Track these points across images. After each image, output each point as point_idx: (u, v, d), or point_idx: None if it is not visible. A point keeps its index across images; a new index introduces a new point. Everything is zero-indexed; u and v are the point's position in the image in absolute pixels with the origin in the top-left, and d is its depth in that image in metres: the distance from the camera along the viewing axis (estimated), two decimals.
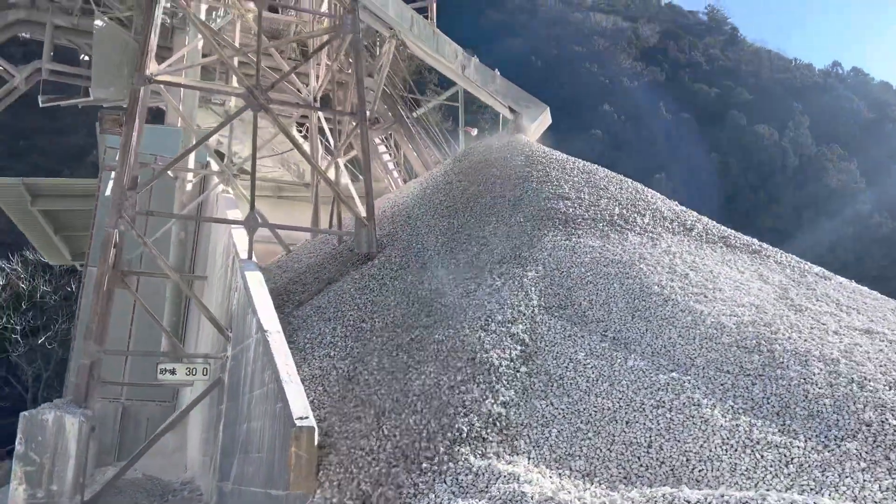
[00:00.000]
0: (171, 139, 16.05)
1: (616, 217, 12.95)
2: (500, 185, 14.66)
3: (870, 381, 7.88)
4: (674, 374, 8.15)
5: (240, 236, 12.33)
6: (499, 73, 20.58)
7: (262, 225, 11.76)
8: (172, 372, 10.68)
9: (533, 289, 10.19)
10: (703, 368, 8.32)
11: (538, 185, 14.20)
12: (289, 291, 11.97)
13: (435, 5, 22.21)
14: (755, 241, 13.53)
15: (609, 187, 14.49)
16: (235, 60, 14.47)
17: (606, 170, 16.34)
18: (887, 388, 7.76)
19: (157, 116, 20.14)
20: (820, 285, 11.53)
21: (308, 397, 8.03)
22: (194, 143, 15.77)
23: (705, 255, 11.96)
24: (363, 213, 12.67)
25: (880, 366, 8.30)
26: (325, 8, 17.65)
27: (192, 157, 15.75)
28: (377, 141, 25.68)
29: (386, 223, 13.86)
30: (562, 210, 12.93)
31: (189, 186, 15.82)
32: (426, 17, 21.92)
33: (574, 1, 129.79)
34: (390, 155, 25.34)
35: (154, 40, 11.89)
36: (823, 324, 9.57)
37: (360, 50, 13.10)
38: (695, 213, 14.35)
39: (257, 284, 10.19)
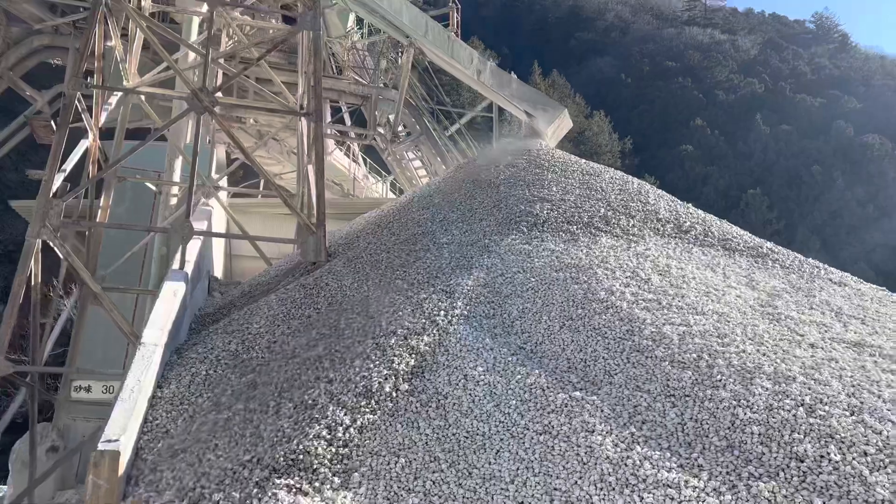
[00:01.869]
0: (154, 153, 15.80)
1: (597, 219, 11.49)
2: (485, 190, 13.48)
3: (825, 404, 6.20)
4: (578, 393, 6.72)
5: (193, 247, 11.73)
6: (515, 77, 19.39)
7: (197, 233, 11.09)
8: (88, 389, 10.11)
9: (463, 297, 8.94)
10: (620, 387, 6.84)
11: (524, 188, 12.93)
12: (232, 304, 11.20)
13: (455, 13, 21.33)
14: (767, 243, 11.69)
15: (607, 189, 13.03)
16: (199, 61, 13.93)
17: (619, 173, 14.86)
18: (846, 412, 6.06)
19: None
20: (825, 292, 9.65)
21: (158, 420, 7.13)
22: (179, 157, 15.50)
23: (689, 259, 10.31)
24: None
25: (850, 385, 6.57)
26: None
27: (177, 170, 15.43)
28: (410, 155, 24.99)
29: (358, 232, 12.93)
30: (535, 213, 11.60)
31: (174, 200, 15.50)
32: (447, 25, 21.12)
33: (668, 16, 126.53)
34: (424, 167, 24.58)
35: (96, 45, 11.55)
36: (801, 335, 7.82)
37: (319, 48, 12.33)
38: (705, 215, 12.65)
39: (168, 296, 9.46)
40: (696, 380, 6.72)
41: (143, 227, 13.46)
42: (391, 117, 23.19)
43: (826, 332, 8.03)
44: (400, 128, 23.91)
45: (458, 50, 19.30)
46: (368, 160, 30.21)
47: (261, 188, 26.46)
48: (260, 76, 17.43)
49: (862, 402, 6.28)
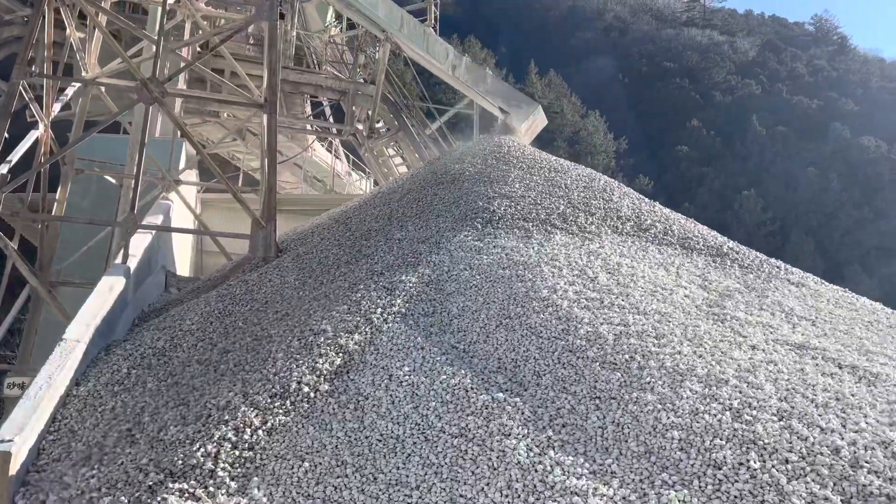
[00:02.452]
0: (118, 146, 15.54)
1: (555, 216, 11.22)
2: (448, 186, 13.21)
3: (754, 408, 5.92)
4: (502, 394, 6.44)
5: (142, 241, 11.49)
6: (490, 73, 19.16)
7: (141, 227, 10.83)
8: (21, 386, 9.84)
9: (404, 294, 8.67)
10: (546, 388, 6.57)
11: (486, 185, 12.66)
12: (181, 300, 10.93)
13: (433, 8, 21.03)
14: (729, 242, 11.42)
15: (571, 186, 12.77)
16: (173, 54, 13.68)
17: (588, 170, 14.60)
18: (773, 417, 5.78)
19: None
20: (780, 293, 9.37)
21: (67, 419, 6.86)
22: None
23: (643, 257, 10.04)
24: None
25: (784, 389, 6.29)
26: None
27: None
28: (391, 152, 24.69)
29: (315, 228, 12.66)
30: (492, 209, 11.33)
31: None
32: (424, 21, 20.83)
33: (668, 17, 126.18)
34: (405, 164, 24.30)
35: (43, 33, 11.28)
36: (744, 336, 7.54)
37: (275, 39, 12.05)
38: (669, 213, 12.39)
39: (103, 290, 9.19)
40: (625, 382, 6.44)
41: (84, 220, 13.16)
42: (370, 113, 22.92)
43: (771, 333, 7.76)
44: (380, 124, 23.66)
45: (433, 45, 19.06)
46: (352, 157, 29.90)
47: (240, 183, 26.20)
48: (228, 68, 17.13)
49: (793, 407, 6.00)
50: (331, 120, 28.20)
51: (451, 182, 13.34)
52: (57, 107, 13.10)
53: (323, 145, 28.66)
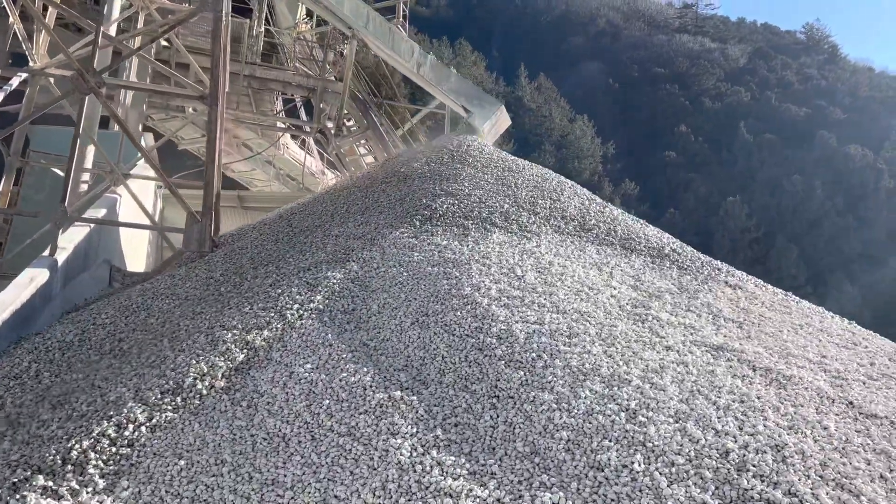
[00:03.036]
0: (61, 138, 15.30)
1: (497, 214, 11.06)
2: (397, 183, 13.06)
3: (651, 409, 5.76)
4: (399, 392, 6.26)
5: (77, 234, 11.29)
6: (454, 72, 18.98)
7: (75, 221, 10.62)
8: None
9: (326, 290, 8.48)
10: (447, 387, 6.39)
11: (435, 183, 12.51)
12: (112, 294, 10.72)
13: (402, 5, 20.88)
14: (674, 243, 11.29)
15: (520, 185, 12.63)
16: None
17: (544, 170, 14.44)
18: (669, 419, 5.62)
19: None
20: (712, 294, 9.22)
21: None
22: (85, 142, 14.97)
23: (578, 257, 9.88)
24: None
25: (688, 391, 6.13)
26: None
27: (89, 156, 14.91)
28: (363, 150, 24.51)
29: (260, 223, 12.47)
30: (433, 207, 11.16)
31: (83, 187, 14.99)
32: (392, 18, 20.67)
33: (660, 23, 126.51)
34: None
35: None
36: (661, 337, 7.38)
37: (220, 31, 11.85)
38: (618, 214, 12.24)
39: (22, 282, 8.98)
40: (526, 381, 6.27)
41: (13, 212, 12.91)
42: (338, 111, 22.72)
43: (691, 334, 7.60)
44: (351, 122, 23.49)
45: (398, 43, 18.88)
46: (326, 155, 29.68)
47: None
48: (181, 61, 16.90)
49: (692, 409, 5.84)
50: (304, 117, 27.99)
51: (402, 180, 13.18)
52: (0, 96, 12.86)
53: (297, 143, 28.48)
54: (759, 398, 6.19)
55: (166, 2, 15.39)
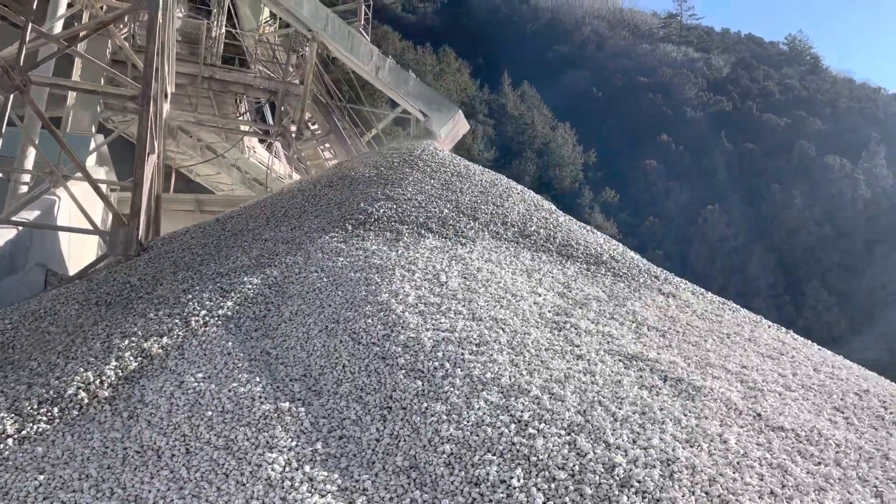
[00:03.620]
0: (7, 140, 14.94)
1: (434, 220, 10.84)
2: (341, 187, 12.81)
3: (544, 421, 5.52)
4: (287, 404, 5.99)
5: (3, 235, 10.97)
6: (413, 76, 18.78)
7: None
8: None
9: (239, 296, 8.21)
10: (341, 398, 6.13)
11: (378, 187, 12.28)
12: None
13: (363, 8, 20.67)
14: (616, 250, 11.09)
15: (466, 191, 12.42)
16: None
17: (496, 176, 14.26)
18: (561, 431, 5.39)
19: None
20: (641, 302, 9.02)
21: None
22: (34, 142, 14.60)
23: (509, 263, 9.66)
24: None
25: (588, 402, 5.90)
26: None
27: (30, 158, 14.56)
28: (328, 154, 24.23)
29: (194, 227, 12.17)
30: (368, 211, 10.92)
31: (23, 188, 14.66)
32: (354, 22, 20.45)
33: (645, 33, 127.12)
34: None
35: None
36: (575, 345, 7.16)
37: (154, 29, 11.56)
38: (561, 221, 12.04)
39: None
40: (422, 391, 6.02)
41: None
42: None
43: (608, 343, 7.38)
44: (315, 126, 23.21)
45: (357, 46, 18.68)
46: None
47: (172, 184, 25.56)
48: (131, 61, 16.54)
49: (587, 421, 5.61)
50: (271, 120, 27.69)
51: (348, 184, 12.95)
52: None
53: (264, 146, 28.14)
54: (661, 409, 5.97)
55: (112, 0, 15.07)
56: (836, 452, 5.78)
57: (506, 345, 6.94)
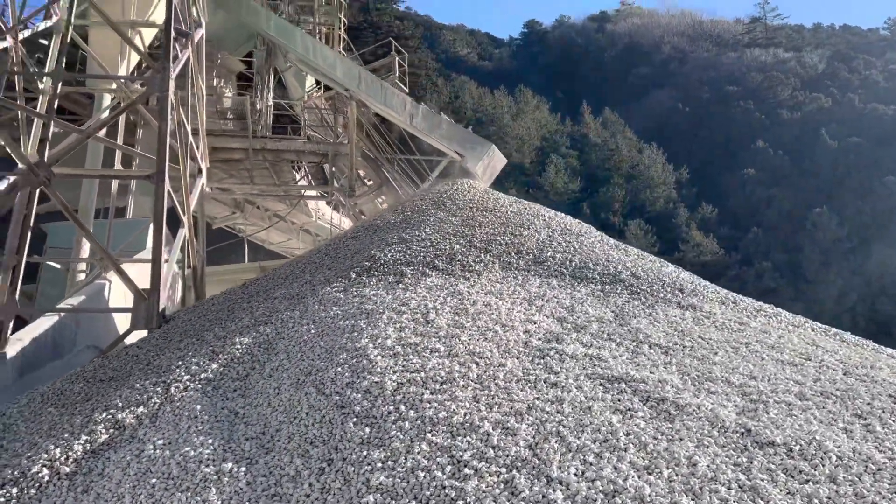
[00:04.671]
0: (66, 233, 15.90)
1: (442, 257, 10.55)
2: (363, 236, 12.78)
3: (485, 459, 5.05)
4: (232, 464, 5.78)
5: (39, 323, 11.53)
6: (446, 118, 18.75)
7: (19, 311, 10.84)
8: None
9: (226, 357, 8.17)
10: (287, 453, 5.86)
11: (397, 231, 12.17)
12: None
13: (399, 61, 20.96)
14: (637, 265, 10.37)
15: (485, 224, 12.13)
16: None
17: (524, 205, 13.93)
18: (502, 469, 4.91)
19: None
20: (647, 319, 8.31)
21: None
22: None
23: (512, 293, 9.20)
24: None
25: (544, 433, 5.38)
26: (129, 70, 16.84)
27: (85, 247, 15.40)
28: (385, 207, 24.41)
29: (222, 294, 12.38)
30: (377, 256, 10.76)
31: (81, 276, 15.45)
32: (390, 75, 20.76)
33: (729, 41, 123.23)
34: None
35: None
36: (554, 372, 6.61)
37: (166, 109, 12.03)
38: (582, 245, 11.45)
39: None
40: (367, 439, 5.65)
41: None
42: (360, 172, 22.91)
43: (593, 367, 6.77)
44: (370, 181, 23.55)
45: (390, 98, 18.90)
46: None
47: (245, 255, 26.45)
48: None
49: (535, 455, 5.08)
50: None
51: (371, 233, 12.89)
52: None
53: (329, 206, 28.76)
54: (628, 435, 5.35)
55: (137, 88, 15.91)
56: (835, 466, 4.97)
57: (474, 380, 6.48)
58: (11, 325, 10.70)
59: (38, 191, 11.41)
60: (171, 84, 12.32)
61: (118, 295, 14.57)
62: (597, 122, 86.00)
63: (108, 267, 14.65)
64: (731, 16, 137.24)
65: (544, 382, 6.41)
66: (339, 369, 7.06)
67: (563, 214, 13.87)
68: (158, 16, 16.48)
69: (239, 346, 8.38)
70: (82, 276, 15.35)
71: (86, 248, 15.39)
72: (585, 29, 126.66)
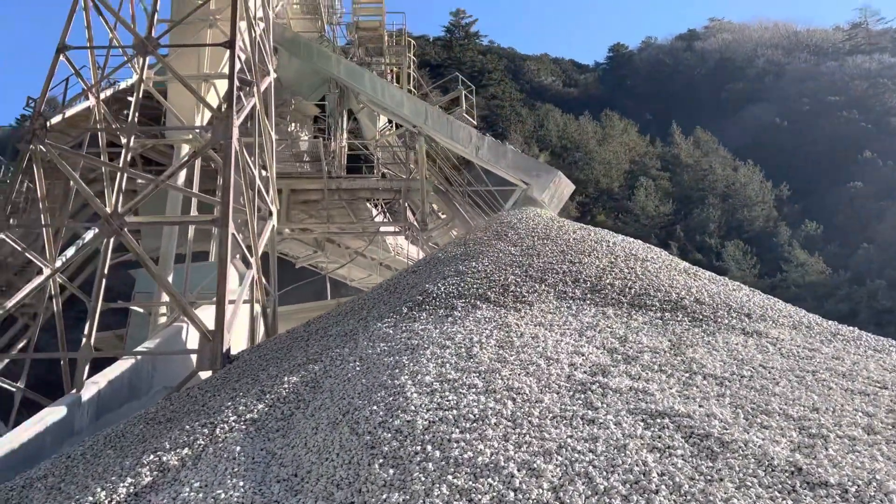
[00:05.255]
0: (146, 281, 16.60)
1: (494, 289, 10.33)
2: (422, 270, 12.73)
3: (501, 502, 4.78)
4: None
5: (117, 366, 12.01)
6: (511, 148, 18.60)
7: (96, 353, 11.30)
8: None
9: (273, 396, 8.20)
10: (313, 496, 5.76)
11: (454, 263, 12.06)
12: None
13: (465, 94, 21.04)
14: (704, 291, 9.81)
15: (545, 253, 11.85)
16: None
17: (589, 231, 13.59)
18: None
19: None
20: (705, 348, 7.76)
21: None
22: (170, 277, 16.11)
23: (562, 323, 8.84)
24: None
25: (571, 475, 5.06)
26: (204, 121, 17.35)
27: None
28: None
29: (283, 333, 12.55)
30: (429, 290, 10.65)
31: (162, 319, 16.04)
32: (457, 108, 20.87)
33: (827, 50, 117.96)
34: None
35: (39, 187, 12.47)
36: (593, 408, 6.24)
37: (230, 157, 12.43)
38: (645, 271, 10.96)
39: (32, 422, 9.58)
40: (390, 481, 5.47)
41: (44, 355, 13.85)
42: (434, 206, 23.07)
43: (638, 401, 6.35)
44: (444, 215, 23.62)
45: (456, 131, 18.98)
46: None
47: (328, 292, 26.96)
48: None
49: (556, 498, 4.77)
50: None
51: (431, 266, 12.82)
52: (71, 250, 14.30)
53: (408, 241, 29.00)
54: (662, 475, 4.95)
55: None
56: None
57: (507, 417, 6.20)
58: (87, 367, 11.18)
59: (113, 238, 11.95)
60: (235, 131, 12.74)
61: (195, 337, 15.06)
62: (688, 141, 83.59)
63: (185, 310, 15.21)
64: (828, 24, 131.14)
65: (581, 419, 6.05)
66: (375, 407, 6.93)
67: (630, 240, 13.38)
68: None
69: (287, 386, 8.40)
70: (163, 319, 15.95)
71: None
72: (673, 48, 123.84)
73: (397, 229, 23.44)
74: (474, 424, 6.12)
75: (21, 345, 16.25)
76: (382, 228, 24.15)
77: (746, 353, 7.62)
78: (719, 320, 8.83)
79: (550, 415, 6.19)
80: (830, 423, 5.79)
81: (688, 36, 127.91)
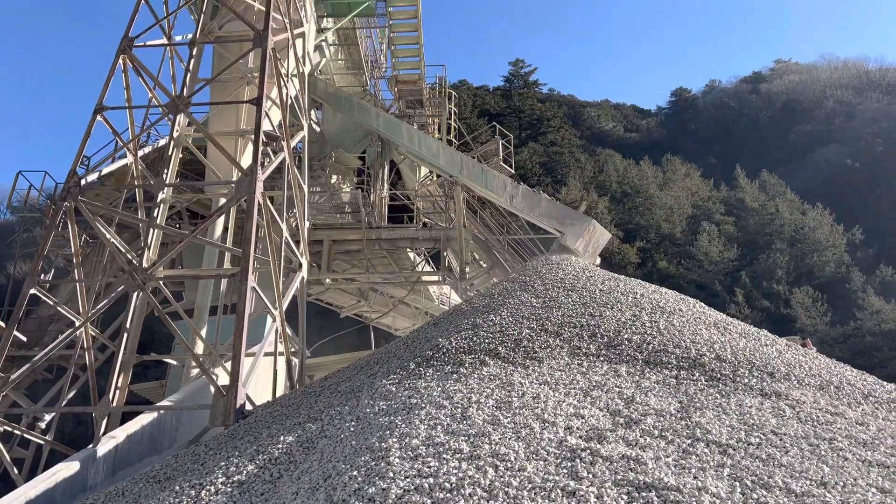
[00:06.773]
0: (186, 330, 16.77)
1: (506, 344, 9.96)
2: (442, 324, 12.47)
3: None
4: None
5: (138, 420, 12.05)
6: (545, 196, 18.30)
7: (113, 408, 11.32)
8: None
9: (265, 457, 7.98)
10: None
11: (472, 316, 11.79)
12: None
13: (501, 143, 20.98)
14: (727, 349, 9.22)
15: (565, 304, 11.47)
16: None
17: (618, 281, 13.13)
18: None
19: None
20: (715, 412, 7.19)
21: None
22: (203, 329, 16.25)
23: (568, 382, 8.38)
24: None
25: None
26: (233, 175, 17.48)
27: (198, 342, 16.14)
28: None
29: (299, 389, 12.39)
30: (440, 345, 10.37)
31: (195, 371, 16.11)
32: (495, 159, 20.80)
33: None
34: None
35: (73, 242, 12.80)
36: (577, 479, 5.78)
37: (253, 211, 12.53)
38: (670, 325, 10.43)
39: (45, 476, 9.59)
40: None
41: (55, 410, 13.96)
42: (475, 254, 22.89)
43: (626, 471, 5.87)
44: (484, 264, 23.36)
45: (491, 181, 18.89)
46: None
47: (372, 340, 26.87)
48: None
49: None
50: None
51: (453, 318, 12.55)
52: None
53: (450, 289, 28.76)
54: None
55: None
56: None
57: (484, 487, 5.81)
58: (105, 422, 11.23)
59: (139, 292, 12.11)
60: (259, 185, 12.87)
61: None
62: (753, 185, 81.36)
63: (215, 362, 15.28)
64: None
65: (561, 490, 5.61)
66: (355, 472, 6.62)
67: (664, 290, 12.85)
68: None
69: (281, 446, 8.18)
70: (195, 371, 16.05)
71: (200, 345, 16.14)
72: (738, 91, 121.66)
73: (438, 278, 23.27)
74: (448, 495, 5.75)
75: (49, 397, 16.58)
76: (423, 277, 24.02)
77: (760, 416, 7.02)
78: (738, 379, 8.23)
79: (530, 485, 5.77)
80: (836, 500, 5.20)
81: (753, 78, 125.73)
